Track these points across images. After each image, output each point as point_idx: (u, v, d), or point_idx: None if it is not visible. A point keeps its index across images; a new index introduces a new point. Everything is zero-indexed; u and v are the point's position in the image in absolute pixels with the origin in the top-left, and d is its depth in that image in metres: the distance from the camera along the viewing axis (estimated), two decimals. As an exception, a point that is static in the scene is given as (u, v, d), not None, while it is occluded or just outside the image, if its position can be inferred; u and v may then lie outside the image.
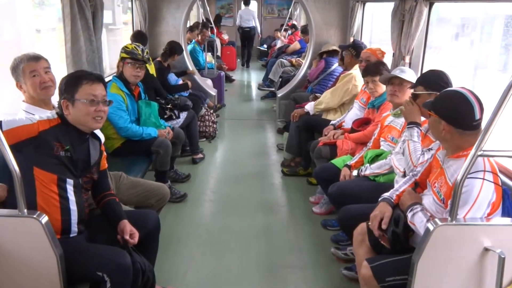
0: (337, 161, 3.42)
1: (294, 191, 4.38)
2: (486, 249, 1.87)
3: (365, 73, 3.63)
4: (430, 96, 2.43)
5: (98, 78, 2.23)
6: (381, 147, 3.14)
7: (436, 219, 1.87)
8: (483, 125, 1.68)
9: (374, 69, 3.54)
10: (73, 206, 2.16)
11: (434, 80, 2.51)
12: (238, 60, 12.62)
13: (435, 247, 1.87)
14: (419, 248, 1.90)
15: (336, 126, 4.13)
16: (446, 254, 1.89)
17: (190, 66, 6.67)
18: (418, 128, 2.60)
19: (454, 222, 1.83)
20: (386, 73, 3.42)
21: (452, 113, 2.00)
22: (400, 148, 2.73)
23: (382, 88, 3.50)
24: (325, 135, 4.01)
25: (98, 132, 3.03)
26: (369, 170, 3.03)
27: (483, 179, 1.90)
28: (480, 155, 1.72)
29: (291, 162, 4.88)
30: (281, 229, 3.65)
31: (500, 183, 1.97)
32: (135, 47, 3.71)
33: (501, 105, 1.63)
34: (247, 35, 12.08)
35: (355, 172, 3.14)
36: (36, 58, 2.48)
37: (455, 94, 2.03)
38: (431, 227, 1.85)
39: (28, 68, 2.44)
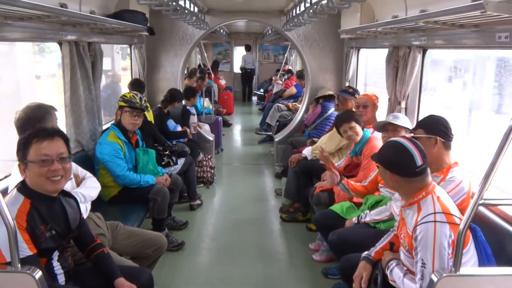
0: (336, 207, 3.38)
1: (294, 237, 4.31)
2: (492, 300, 1.82)
3: (339, 123, 3.73)
4: (429, 139, 2.45)
5: (51, 134, 2.01)
6: (381, 193, 3.12)
7: (440, 270, 1.83)
8: (484, 172, 1.66)
9: (346, 117, 3.71)
10: (59, 271, 2.10)
11: (435, 125, 2.52)
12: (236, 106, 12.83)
13: (440, 299, 1.81)
14: (423, 301, 1.85)
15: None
16: (451, 306, 1.83)
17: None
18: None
19: (458, 273, 1.79)
20: (356, 117, 3.64)
21: (394, 163, 2.09)
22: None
23: (361, 131, 3.64)
24: (323, 180, 3.98)
25: (93, 180, 2.98)
26: (369, 216, 2.99)
27: (434, 221, 1.92)
28: (482, 204, 1.70)
29: (289, 207, 4.83)
30: (281, 278, 3.57)
31: (456, 222, 1.94)
32: (133, 95, 3.73)
33: (500, 152, 1.63)
34: (248, 75, 14.80)
35: (354, 219, 3.09)
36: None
37: (394, 144, 2.12)
38: (434, 279, 1.80)
39: None
